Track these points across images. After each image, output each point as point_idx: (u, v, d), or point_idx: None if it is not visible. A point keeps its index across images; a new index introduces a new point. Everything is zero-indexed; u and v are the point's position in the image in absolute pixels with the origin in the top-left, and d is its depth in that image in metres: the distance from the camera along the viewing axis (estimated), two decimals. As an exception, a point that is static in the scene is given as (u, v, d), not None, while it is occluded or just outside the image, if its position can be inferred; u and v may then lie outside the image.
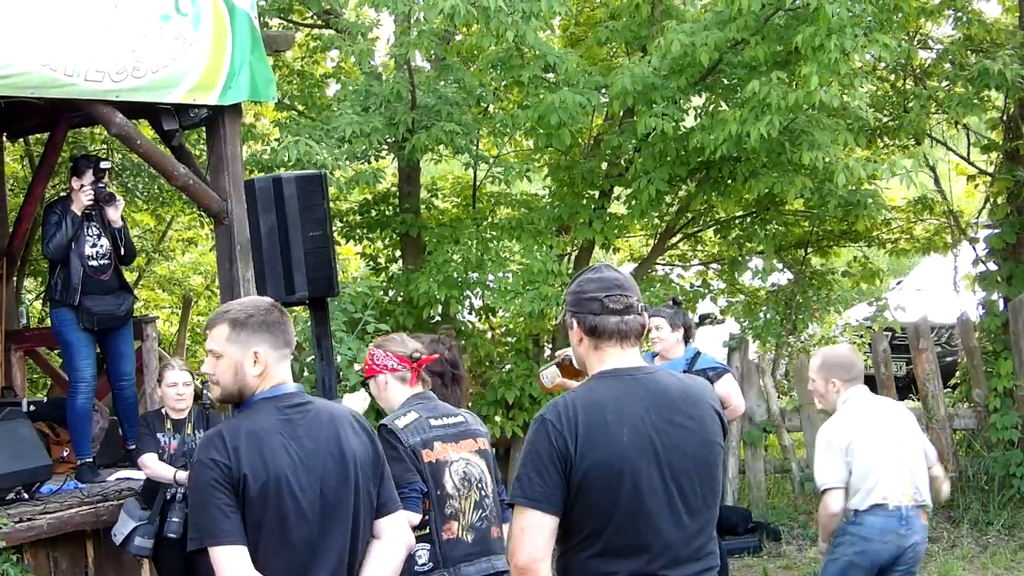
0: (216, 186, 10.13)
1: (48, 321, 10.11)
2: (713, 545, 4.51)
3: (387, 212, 14.63)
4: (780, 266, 15.70)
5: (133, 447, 9.91)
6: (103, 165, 10.19)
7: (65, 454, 10.51)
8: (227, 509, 4.34)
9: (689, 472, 4.40)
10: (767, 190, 12.79)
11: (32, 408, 10.83)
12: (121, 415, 10.39)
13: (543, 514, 4.31)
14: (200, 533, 4.40)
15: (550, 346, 14.13)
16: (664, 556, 4.33)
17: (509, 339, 14.50)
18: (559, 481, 4.31)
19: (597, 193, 14.28)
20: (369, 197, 14.93)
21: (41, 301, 19.98)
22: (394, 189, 14.78)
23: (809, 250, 15.50)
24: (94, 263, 10.04)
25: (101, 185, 10.04)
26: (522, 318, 13.18)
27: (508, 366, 13.86)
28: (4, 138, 13.19)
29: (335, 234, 11.74)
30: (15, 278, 13.03)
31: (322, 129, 12.26)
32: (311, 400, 4.64)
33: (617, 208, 14.52)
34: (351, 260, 17.99)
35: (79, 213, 9.97)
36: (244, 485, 4.34)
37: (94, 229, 10.06)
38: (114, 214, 10.09)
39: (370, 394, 6.81)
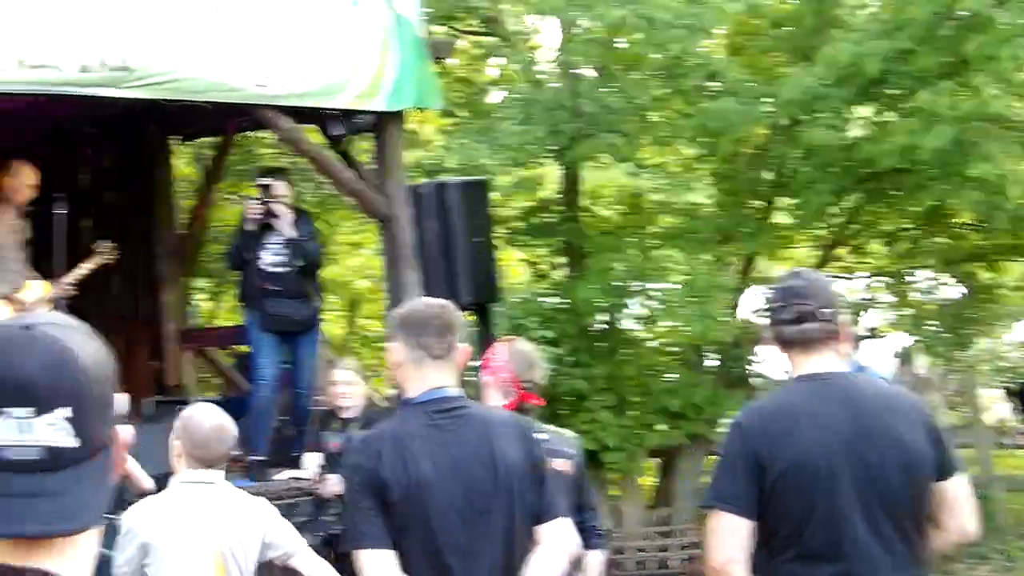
0: (381, 191, 10.23)
1: (216, 321, 10.35)
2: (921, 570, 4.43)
3: (549, 219, 14.65)
4: (947, 279, 15.40)
5: (295, 454, 10.07)
6: (261, 181, 10.40)
7: (235, 453, 10.68)
8: (370, 513, 4.36)
9: (888, 481, 4.33)
10: (936, 202, 12.55)
11: (207, 406, 11.03)
12: (294, 419, 10.55)
13: (736, 517, 4.29)
14: (347, 536, 4.47)
15: (714, 357, 14.05)
16: (863, 563, 4.27)
17: (673, 349, 14.42)
18: (752, 484, 4.29)
19: (760, 203, 14.15)
20: (532, 204, 14.96)
21: (212, 302, 20.42)
22: (557, 196, 14.80)
23: (978, 263, 15.17)
24: (272, 271, 10.24)
25: (268, 199, 10.22)
26: (688, 328, 13.12)
27: (671, 375, 13.79)
28: (176, 141, 13.48)
29: (498, 240, 11.77)
30: (185, 279, 13.29)
31: (485, 136, 12.33)
32: (466, 405, 4.61)
33: (780, 219, 14.37)
34: (514, 267, 18.05)
35: (251, 225, 10.21)
36: (386, 490, 4.36)
37: (276, 238, 10.24)
38: (282, 226, 10.24)
39: None
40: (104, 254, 10.58)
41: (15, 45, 8.09)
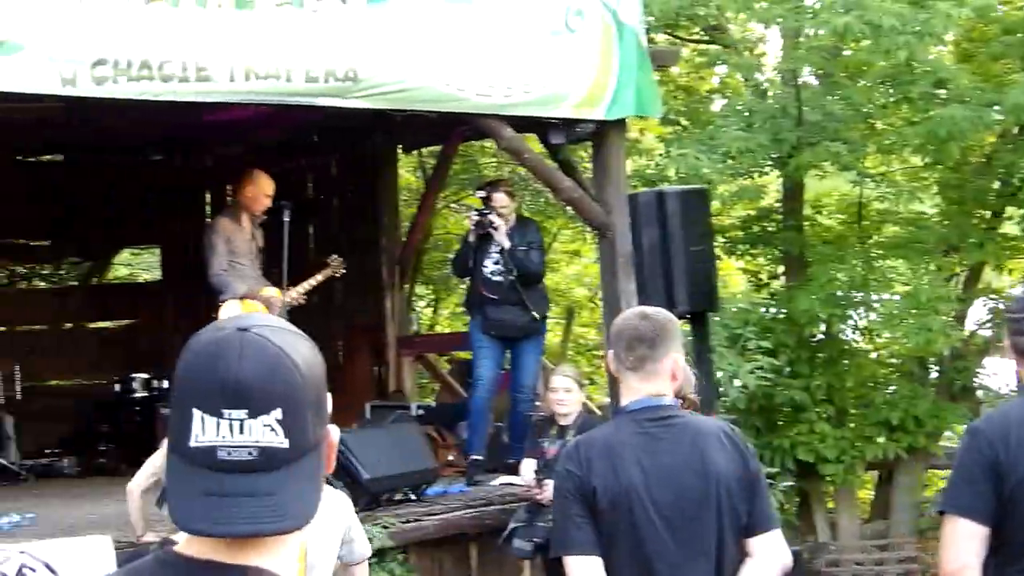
0: (600, 199, 10.25)
1: (436, 328, 10.51)
2: None
3: (769, 228, 14.51)
4: None
5: (512, 461, 10.18)
6: (480, 192, 10.63)
7: (451, 458, 10.83)
8: (579, 520, 4.38)
9: None
10: None
11: (420, 412, 11.23)
12: (510, 425, 10.65)
13: (970, 522, 4.23)
14: (556, 542, 4.50)
15: (936, 369, 13.76)
16: None
17: (893, 360, 14.17)
18: (989, 491, 4.22)
19: (988, 213, 13.81)
20: (752, 213, 14.85)
21: (432, 309, 20.71)
22: (777, 205, 14.66)
23: None
24: (492, 279, 10.41)
25: (485, 211, 10.39)
26: (908, 341, 12.86)
27: (892, 387, 13.55)
28: (399, 150, 13.72)
29: (717, 249, 11.71)
30: (407, 286, 13.51)
31: (706, 144, 12.27)
32: (679, 414, 4.61)
33: (1009, 228, 14.01)
34: (733, 276, 17.92)
35: (473, 235, 10.48)
36: (595, 497, 4.38)
37: (496, 247, 10.42)
38: (500, 236, 10.37)
39: None
40: (334, 268, 10.86)
41: (244, 56, 8.32)
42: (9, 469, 11.32)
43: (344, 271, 10.99)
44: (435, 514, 9.29)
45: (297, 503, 1.86)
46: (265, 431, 1.83)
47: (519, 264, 10.28)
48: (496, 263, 10.41)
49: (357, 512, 6.43)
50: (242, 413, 1.83)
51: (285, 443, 1.84)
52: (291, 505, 1.85)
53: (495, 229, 10.30)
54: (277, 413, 1.83)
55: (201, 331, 1.95)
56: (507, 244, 10.33)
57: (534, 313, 10.30)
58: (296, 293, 10.53)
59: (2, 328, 13.12)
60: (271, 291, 10.42)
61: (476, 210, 10.56)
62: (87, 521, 8.81)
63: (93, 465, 12.07)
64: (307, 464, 1.88)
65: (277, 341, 1.88)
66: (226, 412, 1.83)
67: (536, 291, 10.47)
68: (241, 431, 1.83)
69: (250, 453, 1.83)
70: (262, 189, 10.62)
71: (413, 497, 9.51)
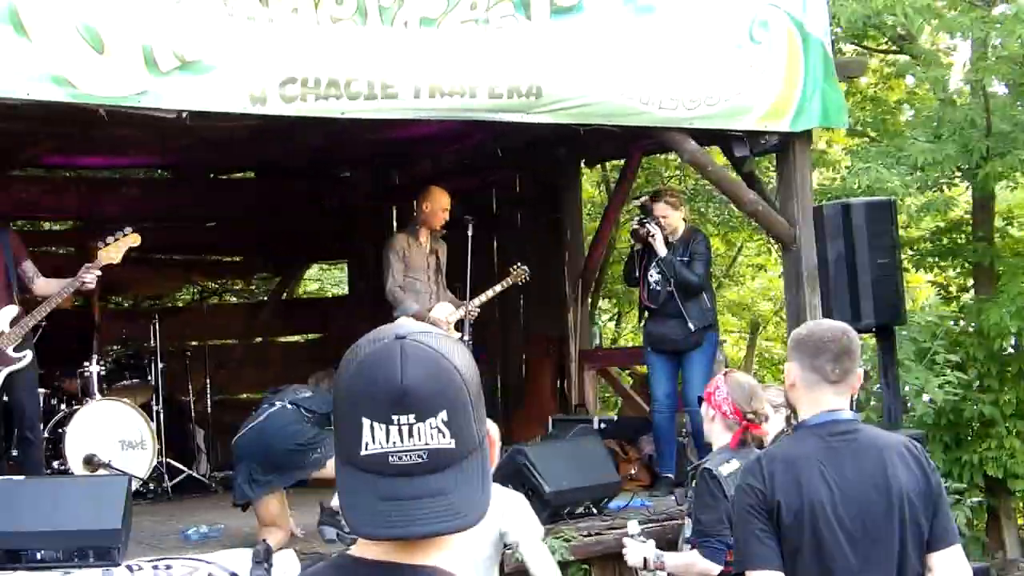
0: (785, 212, 10.18)
1: (618, 342, 10.52)
2: None
3: (959, 240, 14.22)
4: None
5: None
6: (637, 203, 10.62)
7: (633, 472, 10.80)
8: (762, 535, 4.36)
9: None
10: None
11: (602, 426, 11.23)
12: (694, 440, 10.57)
13: None
14: (738, 557, 4.48)
15: None
16: None
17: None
18: None
19: None
20: (940, 225, 14.57)
21: (614, 322, 20.71)
22: (967, 217, 14.37)
23: None
24: (653, 289, 10.37)
25: (645, 219, 10.35)
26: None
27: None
28: (582, 164, 13.76)
29: (904, 262, 11.52)
30: (589, 300, 13.53)
31: (894, 156, 12.07)
32: (860, 428, 4.56)
33: None
34: (921, 289, 17.61)
35: (637, 245, 10.50)
36: (778, 512, 4.34)
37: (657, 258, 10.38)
38: (656, 246, 10.31)
39: None
40: (518, 275, 10.93)
41: (429, 73, 8.43)
42: (200, 481, 11.58)
43: (527, 279, 11.03)
44: (617, 528, 9.27)
45: (469, 501, 1.91)
46: (433, 433, 1.88)
47: (676, 274, 10.21)
48: (657, 274, 10.35)
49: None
50: (410, 418, 1.89)
51: (452, 444, 1.89)
52: (463, 503, 1.90)
53: (652, 238, 10.27)
54: (443, 415, 1.89)
55: (357, 343, 2.02)
56: (662, 252, 10.27)
57: (690, 325, 10.22)
58: (477, 303, 10.62)
59: (194, 342, 13.43)
60: (443, 311, 10.55)
61: (637, 219, 10.54)
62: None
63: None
64: (474, 462, 1.93)
65: (434, 345, 1.94)
66: (395, 418, 1.89)
67: (696, 303, 10.32)
68: (410, 435, 1.89)
69: (420, 456, 1.89)
70: (439, 204, 10.75)
71: (595, 511, 9.51)
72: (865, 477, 4.41)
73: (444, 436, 1.89)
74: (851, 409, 4.59)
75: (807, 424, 4.50)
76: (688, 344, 10.26)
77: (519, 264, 11.02)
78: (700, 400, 6.35)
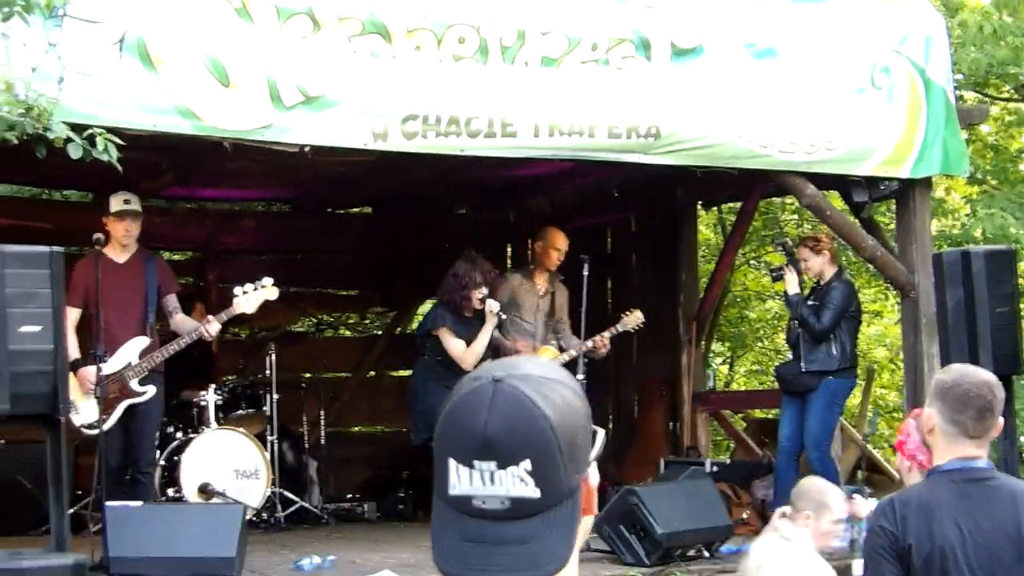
0: (903, 258, 10.09)
1: (732, 386, 10.47)
2: None
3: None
4: None
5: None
6: (775, 243, 10.63)
7: (745, 516, 10.71)
8: None
9: None
10: None
11: (715, 469, 11.16)
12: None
13: None
14: None
15: None
16: None
17: None
18: None
19: None
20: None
21: (728, 366, 20.59)
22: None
23: None
24: (791, 330, 10.49)
25: (787, 262, 10.34)
26: None
27: None
28: (699, 206, 13.73)
29: (1024, 311, 11.36)
30: (703, 342, 13.47)
31: (1015, 203, 11.93)
32: (996, 477, 4.51)
33: None
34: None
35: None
36: (909, 554, 4.32)
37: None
38: (786, 286, 10.28)
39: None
40: (631, 321, 10.86)
41: (548, 112, 8.48)
42: (312, 512, 11.66)
43: (641, 327, 10.98)
44: (728, 572, 9.20)
45: (550, 552, 1.88)
46: (516, 482, 1.86)
47: (801, 317, 10.17)
48: (792, 317, 10.39)
49: (650, 566, 6.46)
50: (491, 465, 1.86)
51: (536, 493, 1.86)
52: (544, 554, 1.88)
53: (783, 280, 10.27)
54: (526, 464, 1.85)
55: (462, 379, 2.00)
56: (791, 291, 10.23)
57: (801, 365, 10.15)
58: (590, 344, 10.59)
59: (309, 374, 13.56)
60: (548, 349, 10.61)
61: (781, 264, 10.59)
62: (385, 566, 9.01)
63: (392, 511, 12.34)
64: (562, 512, 1.90)
65: (528, 391, 1.89)
66: (476, 463, 1.87)
67: (820, 349, 10.23)
68: (492, 482, 1.86)
69: (502, 503, 1.87)
70: (551, 243, 10.78)
71: (707, 554, 9.45)
72: (997, 525, 4.37)
73: (527, 485, 1.86)
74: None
75: (942, 469, 4.47)
76: (799, 385, 10.21)
77: (631, 310, 10.96)
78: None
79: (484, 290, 10.14)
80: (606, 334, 10.72)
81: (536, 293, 10.89)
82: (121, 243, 9.29)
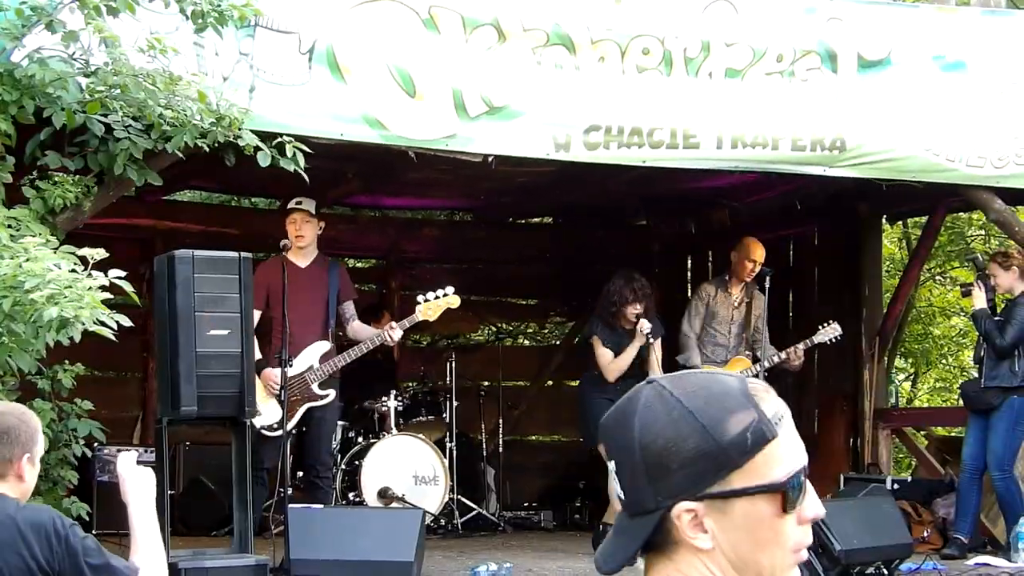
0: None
1: (914, 403, 10.30)
2: None
3: None
4: None
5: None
6: (968, 256, 10.47)
7: (926, 534, 10.53)
8: None
9: None
10: None
11: (896, 486, 10.98)
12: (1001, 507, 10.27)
13: None
14: None
15: None
16: None
17: None
18: None
19: None
20: None
21: (910, 382, 20.24)
22: None
23: None
24: (979, 346, 10.32)
25: (977, 278, 10.16)
26: None
27: None
28: (883, 220, 13.53)
29: None
30: (886, 358, 13.27)
31: None
32: None
33: None
34: None
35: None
36: None
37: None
38: (974, 301, 10.11)
39: None
40: (828, 334, 10.76)
41: (731, 124, 8.46)
42: (489, 519, 11.74)
43: (837, 340, 10.86)
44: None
45: (608, 554, 1.95)
46: (613, 475, 1.94)
47: (985, 332, 9.99)
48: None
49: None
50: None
51: (622, 494, 1.93)
52: (603, 553, 1.95)
53: (970, 295, 10.11)
54: (613, 465, 1.94)
55: None
56: (977, 306, 10.05)
57: (982, 381, 9.96)
58: (783, 355, 10.52)
59: (488, 382, 13.65)
60: (741, 361, 10.54)
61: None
62: (561, 575, 9.05)
63: (569, 520, 12.37)
64: (635, 525, 1.92)
65: (643, 400, 1.93)
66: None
67: (1003, 366, 10.02)
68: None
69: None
70: (745, 254, 10.70)
71: (886, 572, 9.32)
72: None
73: (617, 484, 1.93)
74: None
75: None
76: (981, 402, 10.03)
77: (829, 322, 10.84)
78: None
79: (638, 307, 10.11)
80: (800, 346, 10.64)
81: (731, 304, 10.85)
82: (295, 244, 9.35)
